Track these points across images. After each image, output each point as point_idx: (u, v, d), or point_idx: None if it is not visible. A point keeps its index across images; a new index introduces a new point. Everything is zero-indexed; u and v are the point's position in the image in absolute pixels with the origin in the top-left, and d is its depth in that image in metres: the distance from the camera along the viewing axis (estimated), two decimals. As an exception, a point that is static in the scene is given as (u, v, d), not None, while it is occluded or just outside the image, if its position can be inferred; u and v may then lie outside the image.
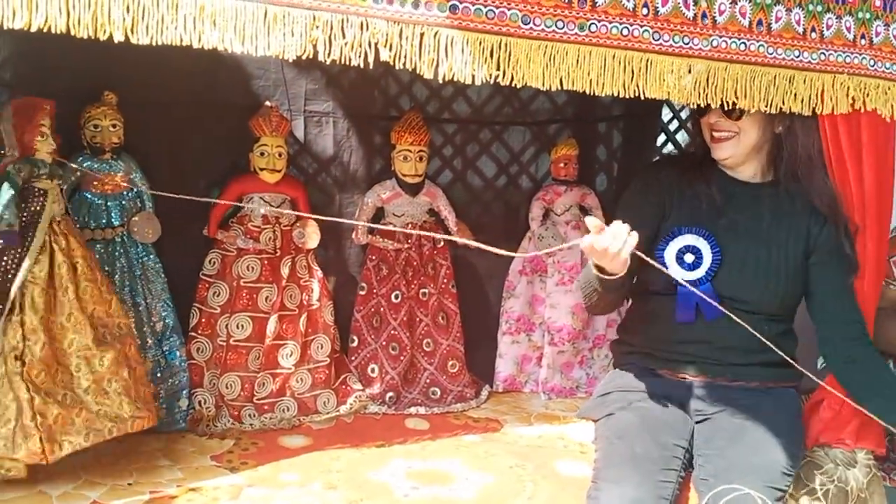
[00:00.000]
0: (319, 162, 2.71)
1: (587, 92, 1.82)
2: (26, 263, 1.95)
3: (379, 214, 2.74)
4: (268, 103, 2.50)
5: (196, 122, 2.50)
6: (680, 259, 2.14)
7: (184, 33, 1.54)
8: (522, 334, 2.90)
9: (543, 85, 1.78)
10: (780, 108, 1.98)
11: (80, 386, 2.00)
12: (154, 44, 1.51)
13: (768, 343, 1.83)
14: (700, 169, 2.24)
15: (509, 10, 1.73)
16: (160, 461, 2.16)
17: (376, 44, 1.65)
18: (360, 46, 1.64)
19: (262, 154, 2.46)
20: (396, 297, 2.70)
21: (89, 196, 2.31)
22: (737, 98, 1.94)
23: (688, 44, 1.89)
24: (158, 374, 2.35)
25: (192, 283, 2.49)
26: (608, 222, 2.85)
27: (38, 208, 2.02)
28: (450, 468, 2.23)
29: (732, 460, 1.99)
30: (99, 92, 2.30)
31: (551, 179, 2.92)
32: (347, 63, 1.63)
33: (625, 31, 1.83)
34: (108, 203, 2.32)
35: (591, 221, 1.84)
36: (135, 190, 2.36)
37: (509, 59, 1.74)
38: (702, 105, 1.96)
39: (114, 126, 2.29)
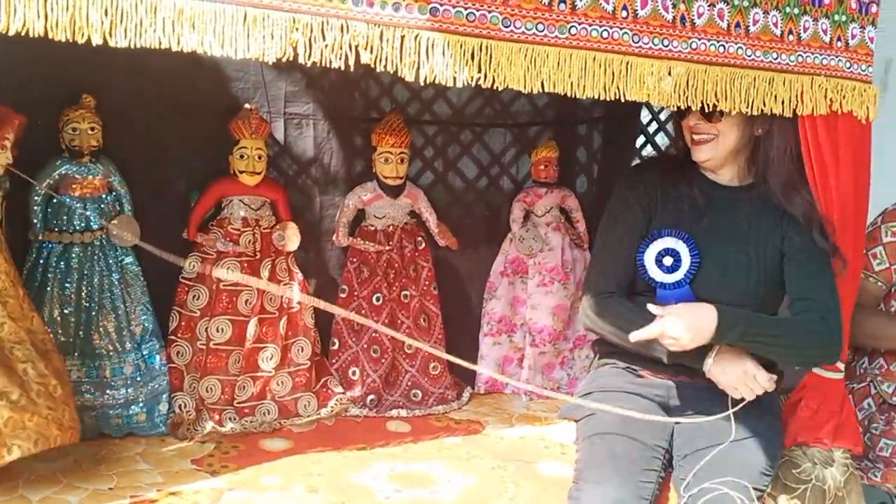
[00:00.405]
0: (300, 164, 2.70)
1: (568, 94, 1.83)
2: None
3: (360, 216, 2.74)
4: (247, 105, 2.49)
5: (175, 124, 2.48)
6: (659, 262, 2.15)
7: (162, 36, 1.53)
8: (504, 335, 2.90)
9: (525, 87, 1.78)
10: (762, 110, 2.00)
11: (31, 388, 1.94)
12: (133, 47, 1.50)
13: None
14: (681, 171, 2.26)
15: (490, 12, 1.73)
16: (140, 465, 2.15)
17: (357, 46, 1.65)
18: (341, 49, 1.64)
19: (241, 156, 2.45)
20: (378, 299, 2.70)
21: (68, 199, 2.29)
22: (717, 100, 1.95)
23: (667, 46, 1.90)
24: (138, 379, 2.33)
25: (172, 287, 2.48)
26: (588, 224, 2.90)
27: None
28: (432, 470, 2.23)
29: (711, 460, 2.00)
30: (77, 95, 2.28)
31: (532, 181, 2.93)
32: (328, 65, 1.63)
33: (605, 34, 1.84)
34: (87, 206, 2.30)
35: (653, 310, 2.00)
36: (114, 193, 2.34)
37: (490, 62, 1.74)
38: (682, 107, 1.97)
39: (92, 129, 2.27)
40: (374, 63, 1.66)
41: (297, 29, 1.60)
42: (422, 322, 2.76)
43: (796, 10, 2.03)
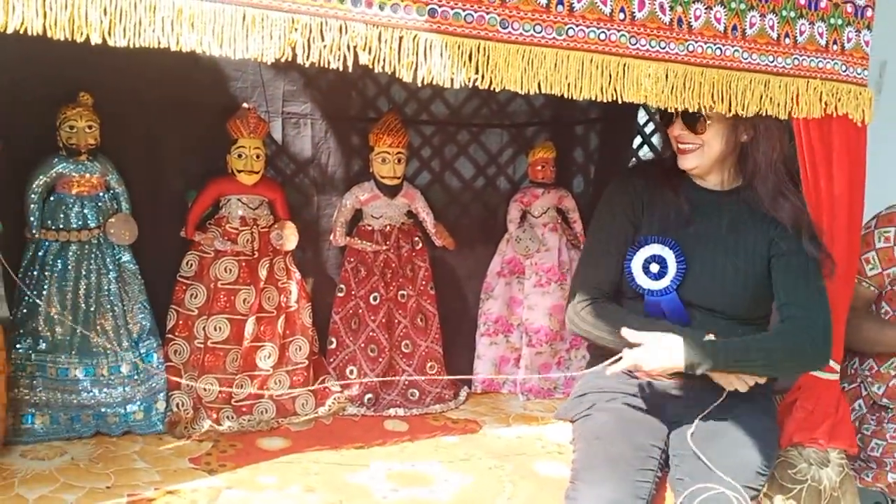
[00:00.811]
0: (297, 163, 2.71)
1: (565, 95, 1.84)
2: None
3: (357, 216, 2.75)
4: (245, 105, 2.49)
5: (173, 123, 2.49)
6: (646, 269, 2.17)
7: (161, 36, 1.53)
8: (500, 335, 2.91)
9: (522, 89, 1.79)
10: (757, 112, 2.01)
11: None
12: (131, 46, 1.51)
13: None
14: (669, 177, 2.26)
15: (488, 14, 1.74)
16: (137, 464, 2.15)
17: (355, 47, 1.65)
18: (339, 49, 1.64)
19: (239, 156, 2.46)
20: (375, 298, 2.70)
21: (65, 197, 2.29)
22: (713, 102, 1.96)
23: (664, 48, 1.91)
24: (135, 377, 2.34)
25: (170, 285, 2.48)
26: (584, 224, 2.90)
27: None
28: (429, 469, 2.23)
29: (707, 460, 2.01)
30: (74, 93, 2.28)
31: (529, 182, 2.94)
32: (326, 66, 1.64)
33: (602, 36, 1.85)
34: (84, 204, 2.31)
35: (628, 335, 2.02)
36: (111, 191, 2.34)
37: (488, 63, 1.75)
38: (672, 110, 1.98)
39: (90, 127, 2.27)
40: (373, 64, 1.67)
41: (295, 29, 1.61)
42: (419, 322, 2.77)
43: (793, 14, 2.04)
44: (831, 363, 2.24)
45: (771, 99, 2.02)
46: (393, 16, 1.66)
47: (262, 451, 2.30)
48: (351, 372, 2.66)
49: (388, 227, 2.74)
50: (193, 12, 1.54)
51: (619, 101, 1.89)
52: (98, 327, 2.30)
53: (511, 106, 2.98)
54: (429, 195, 2.85)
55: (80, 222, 2.30)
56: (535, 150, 2.89)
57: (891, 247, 2.56)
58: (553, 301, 2.84)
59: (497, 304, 2.90)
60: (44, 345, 2.25)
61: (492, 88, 1.76)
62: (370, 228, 2.73)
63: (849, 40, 2.12)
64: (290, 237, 2.54)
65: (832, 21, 2.09)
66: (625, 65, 1.88)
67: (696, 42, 1.94)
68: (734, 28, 1.97)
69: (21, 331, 2.24)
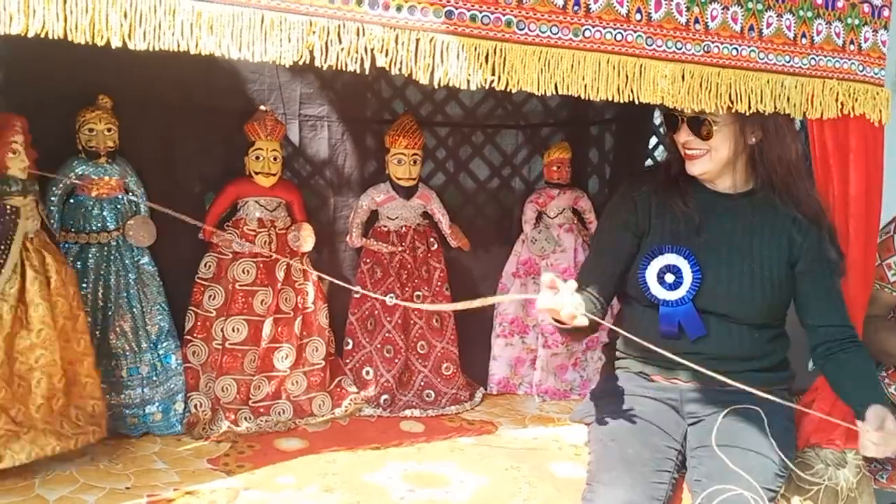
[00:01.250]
0: (314, 165, 2.72)
1: (581, 96, 1.84)
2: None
3: (373, 217, 2.76)
4: (262, 107, 2.51)
5: (191, 125, 2.51)
6: (661, 279, 2.15)
7: (181, 39, 1.54)
8: (516, 336, 2.91)
9: (538, 90, 1.79)
10: (772, 112, 2.00)
11: (34, 403, 2.00)
12: (151, 49, 1.52)
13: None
14: (678, 182, 2.24)
15: (504, 15, 1.74)
16: (157, 465, 2.17)
17: (372, 49, 1.66)
18: (357, 52, 1.65)
19: (257, 158, 2.47)
20: (391, 299, 2.71)
21: (84, 200, 2.31)
22: (731, 102, 1.96)
23: (681, 49, 1.91)
24: (154, 378, 2.36)
25: (188, 287, 2.50)
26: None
27: (10, 226, 2.01)
28: (445, 470, 2.24)
29: (725, 461, 2.00)
30: (94, 96, 2.30)
31: (544, 182, 2.94)
32: (343, 68, 1.64)
33: (619, 37, 1.85)
34: (103, 207, 2.33)
35: (545, 278, 1.86)
36: (130, 193, 2.36)
37: (504, 65, 1.75)
38: (679, 115, 1.98)
39: (109, 130, 2.29)
40: (390, 66, 1.67)
41: (313, 32, 1.62)
42: (434, 323, 2.77)
43: (809, 14, 2.03)
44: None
45: (788, 99, 2.01)
46: (410, 18, 1.67)
47: (279, 451, 2.31)
48: (367, 373, 2.67)
49: (404, 229, 2.75)
50: (212, 15, 1.55)
51: (636, 102, 1.89)
52: (117, 329, 2.32)
53: (526, 106, 2.98)
54: (444, 196, 2.85)
55: (99, 224, 2.32)
56: (551, 150, 2.89)
57: None
58: (569, 302, 2.84)
59: (513, 305, 2.90)
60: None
61: (508, 90, 1.77)
62: (386, 230, 2.74)
63: (866, 40, 2.11)
64: (307, 239, 2.55)
65: (849, 21, 2.08)
66: (641, 65, 1.88)
67: (713, 42, 1.93)
68: (751, 28, 1.97)
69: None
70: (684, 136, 2.16)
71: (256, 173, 2.48)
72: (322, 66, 1.63)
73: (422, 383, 2.73)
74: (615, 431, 2.13)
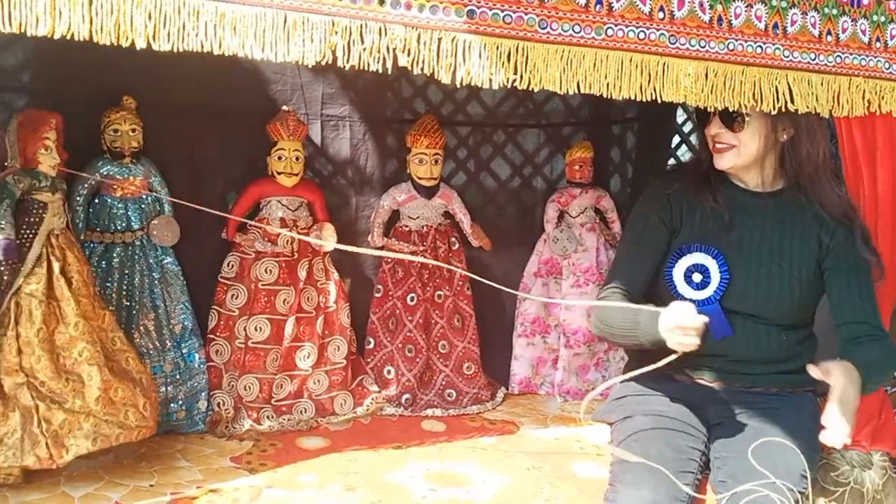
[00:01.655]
0: (335, 165, 2.73)
1: (603, 95, 1.83)
2: (20, 277, 1.97)
3: (394, 217, 2.76)
4: (285, 108, 2.52)
5: (214, 126, 2.53)
6: (688, 278, 2.13)
7: (205, 40, 1.54)
8: (538, 336, 2.91)
9: (561, 89, 1.78)
10: (798, 110, 1.99)
11: (92, 395, 2.00)
12: (175, 50, 1.53)
13: None
14: (707, 180, 2.22)
15: (526, 14, 1.73)
16: (180, 463, 2.19)
17: (394, 49, 1.65)
18: (379, 52, 1.65)
19: (279, 158, 2.48)
20: (412, 299, 2.72)
21: (109, 200, 2.33)
22: (755, 100, 1.94)
23: (704, 47, 1.89)
24: (177, 377, 2.37)
25: (211, 286, 2.51)
26: (622, 225, 2.88)
27: (36, 221, 2.03)
28: (467, 470, 2.24)
29: (751, 462, 1.99)
30: (118, 96, 2.32)
31: (566, 182, 2.93)
32: (366, 68, 1.64)
33: (641, 35, 1.84)
34: (128, 207, 2.34)
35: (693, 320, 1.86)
36: (154, 193, 2.38)
37: (527, 64, 1.74)
38: (711, 109, 1.96)
39: (133, 130, 2.31)
40: (412, 66, 1.67)
41: (336, 32, 1.62)
42: (455, 322, 2.77)
43: (835, 11, 2.01)
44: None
45: (817, 97, 1.99)
46: (432, 18, 1.66)
47: (301, 450, 2.32)
48: (388, 372, 2.67)
49: (425, 228, 2.75)
50: (235, 16, 1.56)
51: (658, 101, 1.87)
52: (141, 327, 2.34)
53: (548, 106, 2.98)
54: (465, 196, 2.86)
55: (123, 224, 2.34)
56: (573, 149, 2.89)
57: None
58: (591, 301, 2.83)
59: (534, 305, 2.90)
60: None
61: (530, 89, 1.76)
62: (407, 229, 2.74)
63: (892, 37, 2.08)
64: (328, 238, 2.56)
65: (875, 18, 2.05)
66: (664, 64, 1.86)
67: (737, 40, 1.92)
68: (775, 26, 1.95)
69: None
70: (715, 128, 2.15)
71: (279, 173, 2.49)
72: (344, 66, 1.63)
73: (443, 383, 2.73)
74: (638, 432, 2.12)
